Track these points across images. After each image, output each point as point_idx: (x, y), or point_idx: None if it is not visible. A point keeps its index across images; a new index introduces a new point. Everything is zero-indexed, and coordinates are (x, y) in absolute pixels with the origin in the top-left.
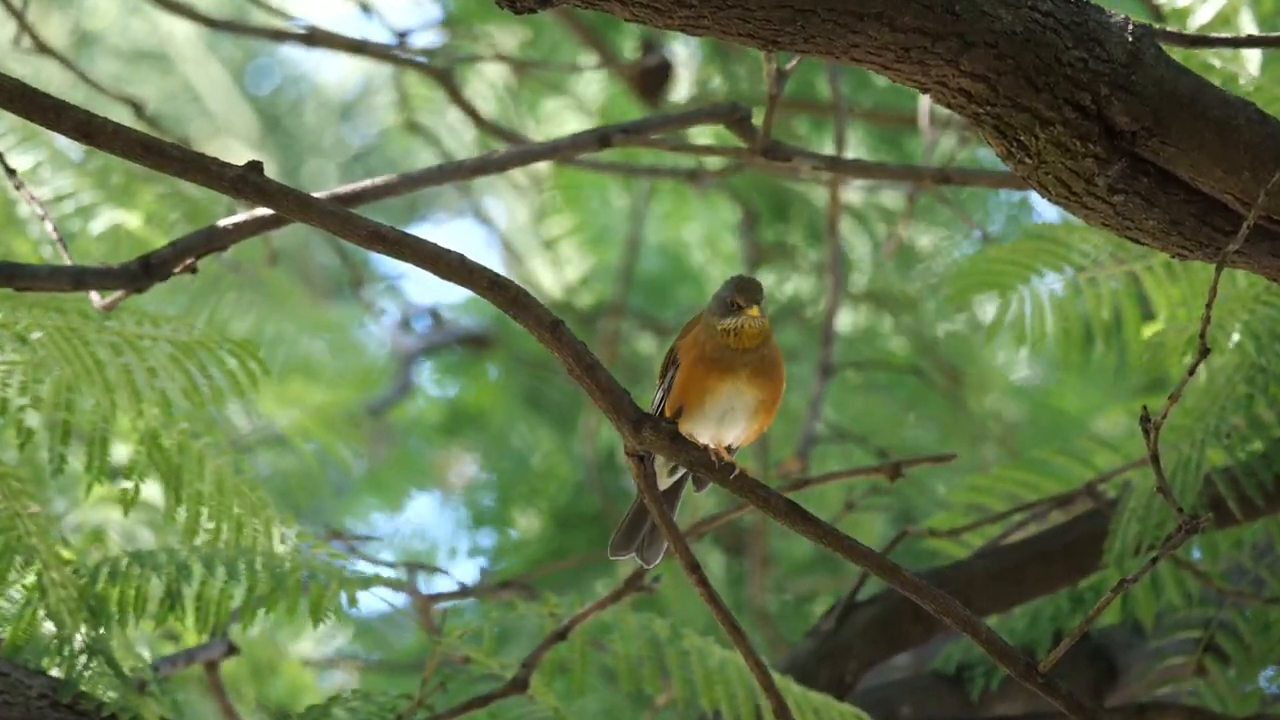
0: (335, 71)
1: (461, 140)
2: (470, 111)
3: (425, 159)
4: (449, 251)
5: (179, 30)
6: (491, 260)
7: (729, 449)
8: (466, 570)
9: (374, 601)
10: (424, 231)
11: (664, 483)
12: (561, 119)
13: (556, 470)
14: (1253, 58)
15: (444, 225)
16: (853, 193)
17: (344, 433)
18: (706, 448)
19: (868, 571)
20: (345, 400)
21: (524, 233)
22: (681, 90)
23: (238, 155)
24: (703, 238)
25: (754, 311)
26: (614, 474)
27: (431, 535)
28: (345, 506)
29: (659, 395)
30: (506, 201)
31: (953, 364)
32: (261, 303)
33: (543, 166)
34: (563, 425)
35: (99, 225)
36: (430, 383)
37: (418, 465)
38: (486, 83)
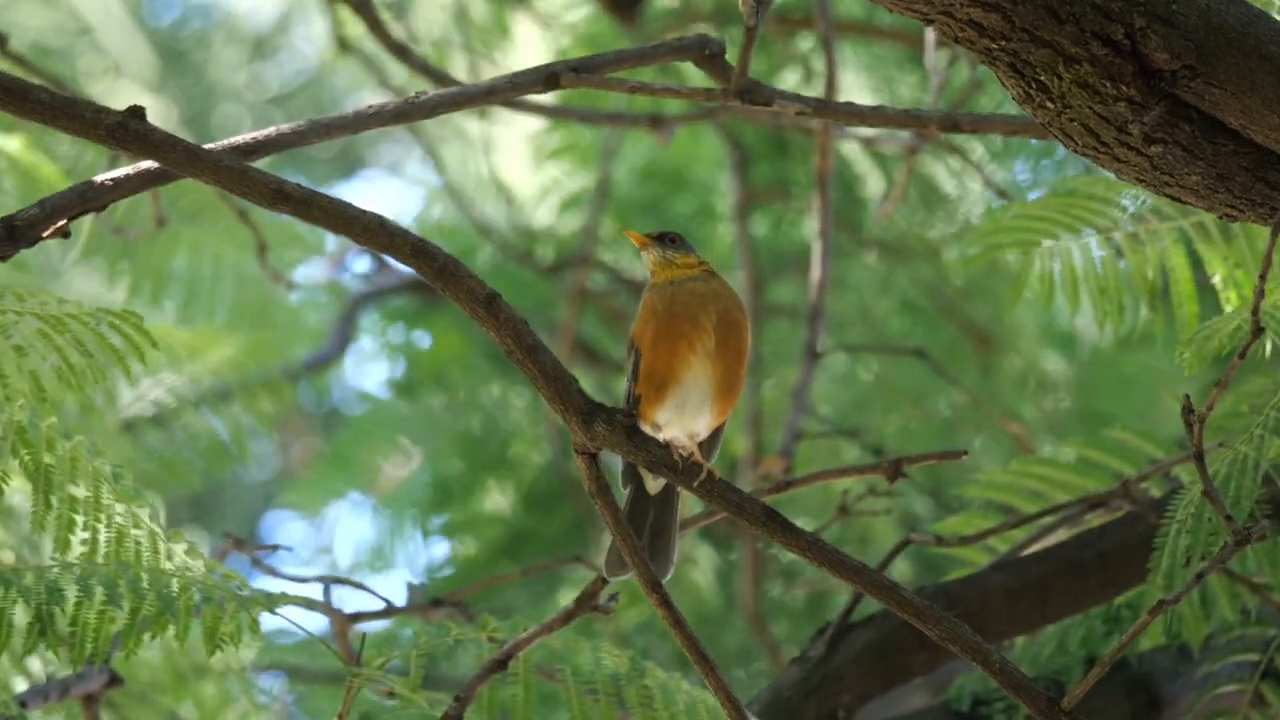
0: None
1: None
2: (392, 44)
3: (360, 101)
4: (365, 213)
5: None
6: (441, 208)
7: (701, 445)
8: (396, 584)
9: (283, 623)
10: (354, 190)
11: (653, 486)
12: (523, 44)
13: (527, 438)
14: None
15: (376, 184)
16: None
17: (268, 393)
18: (669, 445)
19: (860, 591)
20: (271, 352)
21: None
22: (661, 7)
23: (133, 99)
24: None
25: (638, 240)
26: None
27: (359, 546)
28: (260, 509)
29: (628, 386)
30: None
31: (980, 323)
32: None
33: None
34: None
35: None
36: (375, 335)
37: (349, 463)
38: (438, 4)
